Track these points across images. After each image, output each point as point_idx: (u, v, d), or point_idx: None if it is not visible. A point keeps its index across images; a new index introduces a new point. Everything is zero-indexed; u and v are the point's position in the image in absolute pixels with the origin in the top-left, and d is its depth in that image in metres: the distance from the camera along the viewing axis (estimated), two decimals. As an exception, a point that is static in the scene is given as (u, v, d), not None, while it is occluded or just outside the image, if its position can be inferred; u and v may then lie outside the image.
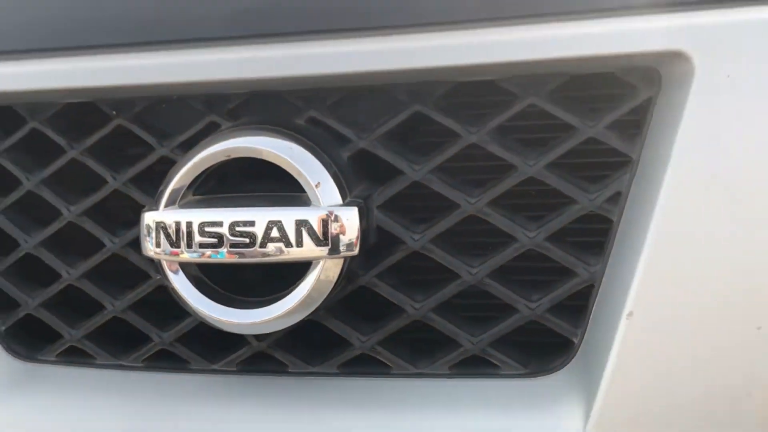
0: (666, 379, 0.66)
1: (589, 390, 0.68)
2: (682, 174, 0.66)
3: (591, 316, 0.71)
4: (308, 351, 0.79)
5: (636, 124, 0.71)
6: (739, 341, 0.65)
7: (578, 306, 0.72)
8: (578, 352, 0.72)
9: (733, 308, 0.64)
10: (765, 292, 0.64)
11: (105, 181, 0.82)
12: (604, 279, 0.70)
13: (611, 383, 0.67)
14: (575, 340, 0.72)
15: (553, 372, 0.73)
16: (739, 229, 0.64)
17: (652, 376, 0.66)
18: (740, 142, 0.65)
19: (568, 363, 0.72)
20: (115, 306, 0.82)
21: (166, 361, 0.82)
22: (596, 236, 0.72)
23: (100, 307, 0.83)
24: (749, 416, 0.66)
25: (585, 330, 0.71)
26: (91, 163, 0.82)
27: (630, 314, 0.66)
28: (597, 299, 0.71)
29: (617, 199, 0.71)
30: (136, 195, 0.81)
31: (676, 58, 0.67)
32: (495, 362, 0.74)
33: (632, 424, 0.67)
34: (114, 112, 0.81)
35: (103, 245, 0.82)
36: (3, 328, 0.86)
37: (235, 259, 0.72)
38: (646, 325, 0.66)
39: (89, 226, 0.82)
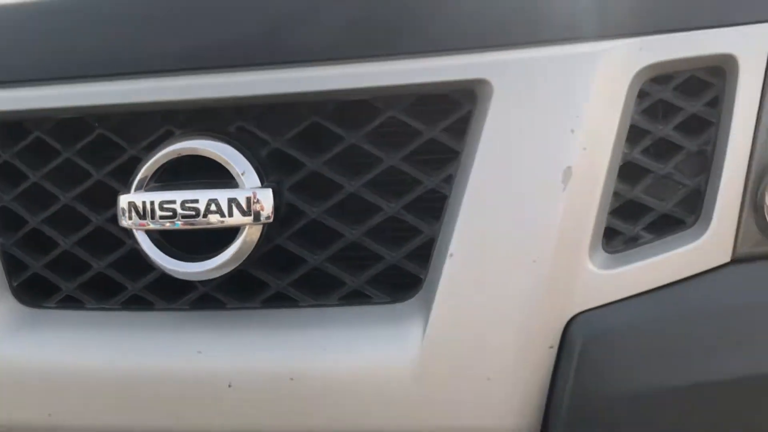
0: (473, 300, 0.97)
1: (428, 309, 1.00)
2: (484, 161, 0.98)
3: (432, 260, 1.02)
4: (239, 292, 1.09)
5: (462, 128, 1.02)
6: (521, 270, 0.97)
7: (424, 253, 1.03)
8: (423, 285, 1.03)
9: (515, 247, 0.97)
10: (535, 235, 0.96)
11: (90, 174, 1.12)
12: (440, 233, 1.02)
13: (440, 303, 0.98)
14: (422, 277, 1.03)
15: (407, 300, 1.03)
16: (518, 196, 0.97)
17: (464, 298, 0.98)
18: (520, 137, 0.97)
19: (417, 293, 1.03)
20: (99, 265, 1.13)
21: (137, 303, 1.12)
22: (436, 205, 1.03)
23: (88, 266, 1.13)
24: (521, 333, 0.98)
25: (428, 270, 1.03)
26: (80, 161, 1.12)
27: (451, 255, 0.98)
28: (436, 248, 1.02)
29: (449, 179, 1.02)
30: (114, 184, 1.10)
31: (482, 83, 0.98)
32: (369, 294, 1.06)
33: (453, 332, 0.98)
34: (96, 124, 1.11)
35: (90, 221, 1.12)
36: (15, 284, 1.15)
37: (185, 227, 1.02)
38: (460, 261, 0.98)
39: (79, 207, 1.12)
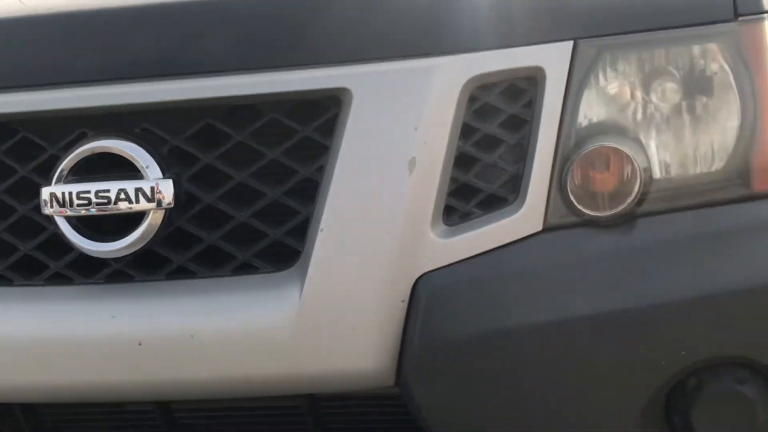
0: (339, 266, 1.20)
1: (304, 275, 1.22)
2: (347, 153, 1.21)
3: (307, 235, 1.25)
4: (147, 267, 1.29)
5: (330, 127, 1.24)
6: (377, 241, 1.20)
7: (302, 230, 1.26)
8: (301, 256, 1.25)
9: (373, 223, 1.20)
10: (388, 212, 1.20)
11: (16, 171, 1.30)
12: (314, 213, 1.24)
13: (313, 270, 1.21)
14: (300, 250, 1.25)
15: (287, 269, 1.25)
16: (374, 181, 1.20)
17: (333, 265, 1.21)
18: (375, 134, 1.21)
19: (296, 263, 1.25)
20: (25, 248, 1.31)
21: (59, 279, 1.31)
22: (310, 191, 1.26)
23: (16, 249, 1.32)
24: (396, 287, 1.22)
25: (304, 243, 1.25)
26: (7, 160, 1.30)
27: (322, 230, 1.21)
28: (310, 225, 1.25)
29: (321, 169, 1.24)
30: (36, 178, 1.29)
31: (345, 90, 1.21)
32: (257, 266, 1.27)
33: (323, 293, 1.21)
34: (20, 128, 1.30)
35: (16, 210, 1.31)
36: (-50, 268, 1.34)
37: (99, 213, 1.23)
38: (329, 235, 1.20)
39: (7, 199, 1.31)
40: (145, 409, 1.39)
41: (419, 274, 1.21)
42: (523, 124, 1.25)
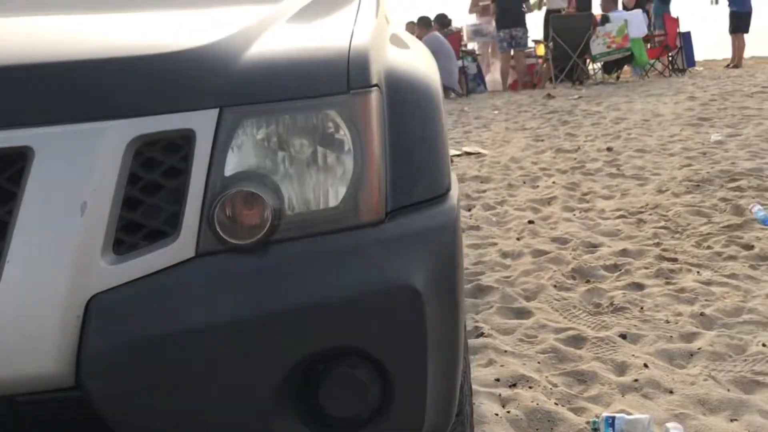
0: (24, 289, 1.49)
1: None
2: (30, 198, 1.50)
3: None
4: None
5: (19, 176, 1.53)
6: (56, 269, 1.50)
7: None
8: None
9: (51, 254, 1.50)
10: (65, 245, 1.50)
11: None
12: (4, 248, 1.52)
13: (2, 292, 1.49)
14: None
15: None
16: (52, 220, 1.50)
17: (18, 288, 1.48)
18: (53, 182, 1.51)
19: (-9, 287, 1.53)
20: None
21: None
22: (2, 230, 1.53)
23: None
24: None
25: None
26: None
27: (8, 261, 1.49)
28: (1, 258, 1.52)
29: (11, 212, 1.52)
30: None
31: (28, 148, 1.51)
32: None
33: (12, 311, 1.49)
34: None
35: None
36: None
37: None
38: (15, 265, 1.48)
39: None
40: None
41: (91, 294, 1.52)
42: (180, 173, 1.59)
